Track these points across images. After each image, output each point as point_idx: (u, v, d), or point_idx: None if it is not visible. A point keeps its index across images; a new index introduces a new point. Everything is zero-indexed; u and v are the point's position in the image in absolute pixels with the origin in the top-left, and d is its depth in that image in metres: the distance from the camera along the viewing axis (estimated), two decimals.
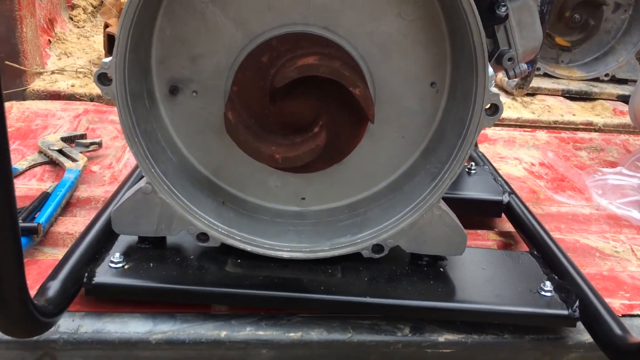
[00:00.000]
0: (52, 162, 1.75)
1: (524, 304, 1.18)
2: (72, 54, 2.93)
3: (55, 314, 0.99)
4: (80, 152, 1.79)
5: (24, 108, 2.16)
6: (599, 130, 2.72)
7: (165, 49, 1.25)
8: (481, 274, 1.29)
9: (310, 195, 1.39)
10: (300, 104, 1.25)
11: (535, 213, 1.73)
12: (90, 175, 1.74)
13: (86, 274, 1.13)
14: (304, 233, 1.34)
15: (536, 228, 1.48)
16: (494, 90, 1.14)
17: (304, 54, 1.22)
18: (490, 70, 1.29)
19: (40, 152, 1.78)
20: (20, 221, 1.32)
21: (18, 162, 1.73)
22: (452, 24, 1.21)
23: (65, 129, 2.01)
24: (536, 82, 3.09)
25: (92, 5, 3.68)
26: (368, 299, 1.16)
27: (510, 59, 1.44)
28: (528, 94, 3.03)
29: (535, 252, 1.40)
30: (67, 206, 1.55)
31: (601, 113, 2.93)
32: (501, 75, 3.11)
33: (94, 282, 1.12)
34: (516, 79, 2.86)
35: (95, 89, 2.38)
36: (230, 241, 1.25)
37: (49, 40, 3.00)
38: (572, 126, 2.73)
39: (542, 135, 2.50)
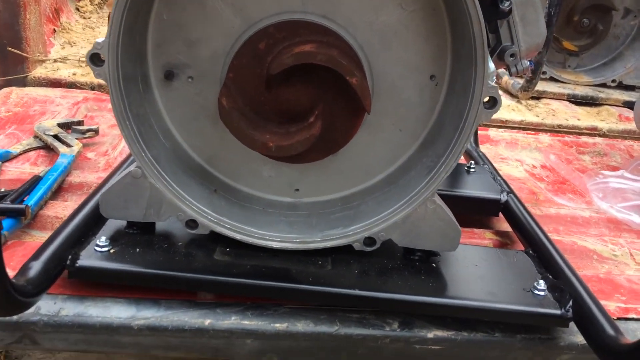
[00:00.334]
0: (47, 147, 1.74)
1: (516, 302, 1.16)
2: (76, 44, 2.92)
3: (34, 294, 0.97)
4: (76, 139, 1.77)
5: (23, 94, 2.15)
6: (603, 135, 2.69)
7: (162, 33, 1.23)
8: (474, 270, 1.27)
9: (304, 187, 1.37)
10: (297, 92, 1.23)
11: (534, 214, 1.71)
12: (84, 161, 1.72)
13: (70, 256, 1.11)
14: (296, 224, 1.32)
15: (533, 227, 1.45)
16: (493, 83, 1.12)
17: (301, 41, 1.20)
18: (492, 65, 1.27)
19: (36, 136, 1.77)
20: (8, 203, 1.31)
21: (12, 146, 1.71)
22: (453, 15, 1.19)
23: (63, 116, 2.00)
24: (542, 86, 3.06)
25: None
26: (357, 292, 1.14)
27: (512, 55, 1.42)
28: (533, 97, 3.00)
29: (530, 251, 1.37)
30: (58, 190, 1.54)
31: (606, 118, 2.90)
32: (507, 78, 3.08)
33: (77, 264, 1.10)
34: (521, 82, 2.82)
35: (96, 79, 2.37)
36: (219, 229, 1.24)
37: (54, 29, 2.99)
38: (576, 130, 2.69)
39: (545, 138, 2.47)
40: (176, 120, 1.30)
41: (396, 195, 1.28)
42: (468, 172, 1.74)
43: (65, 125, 1.85)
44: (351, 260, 1.25)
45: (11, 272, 0.90)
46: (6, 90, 2.17)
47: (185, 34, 1.23)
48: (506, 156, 2.23)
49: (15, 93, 2.15)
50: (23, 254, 1.21)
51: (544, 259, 1.33)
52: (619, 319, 1.26)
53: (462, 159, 1.37)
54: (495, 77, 1.27)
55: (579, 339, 1.16)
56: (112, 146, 1.86)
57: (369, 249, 1.25)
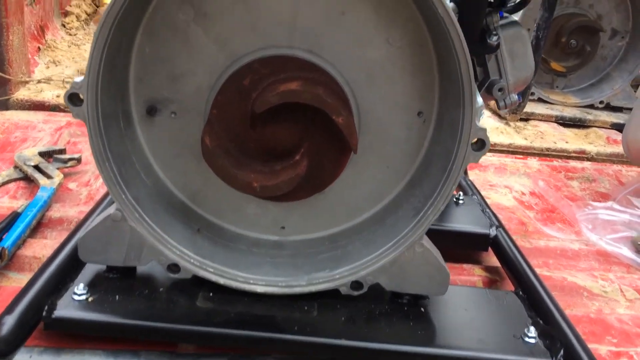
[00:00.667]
0: (27, 178, 1.69)
1: (507, 350, 1.12)
2: (61, 63, 2.88)
3: (7, 352, 0.93)
4: (58, 169, 1.73)
5: (5, 119, 2.10)
6: (591, 159, 2.69)
7: (144, 67, 1.20)
8: (464, 315, 1.24)
9: (290, 224, 1.33)
10: (282, 130, 1.20)
11: (523, 247, 1.69)
12: (65, 193, 1.68)
13: (46, 307, 1.07)
14: (281, 265, 1.28)
15: (522, 266, 1.43)
16: (481, 124, 1.10)
17: (286, 78, 1.17)
18: (480, 100, 1.25)
19: (16, 167, 1.72)
20: None
21: None
22: (441, 52, 1.17)
23: (45, 143, 1.96)
24: (530, 107, 3.06)
25: (86, 13, 3.65)
26: (344, 342, 1.10)
27: (500, 89, 1.40)
28: (521, 119, 3.00)
29: (520, 293, 1.34)
30: (37, 226, 1.49)
31: (594, 141, 2.90)
32: None
33: (53, 315, 1.05)
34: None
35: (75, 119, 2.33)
36: (202, 273, 1.20)
37: (39, 47, 2.95)
38: (565, 154, 2.69)
39: (533, 163, 2.46)
40: (159, 156, 1.27)
41: (383, 236, 1.25)
42: (457, 203, 1.72)
43: (46, 154, 1.81)
44: (338, 305, 1.21)
45: None
46: None
47: (169, 69, 1.20)
48: (495, 183, 2.21)
49: None
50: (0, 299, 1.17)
51: (534, 301, 1.30)
52: None
53: None
54: (483, 113, 1.25)
55: None
56: (94, 175, 1.81)
57: (356, 293, 1.22)
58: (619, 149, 2.77)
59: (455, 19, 1.00)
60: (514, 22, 1.41)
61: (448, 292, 1.22)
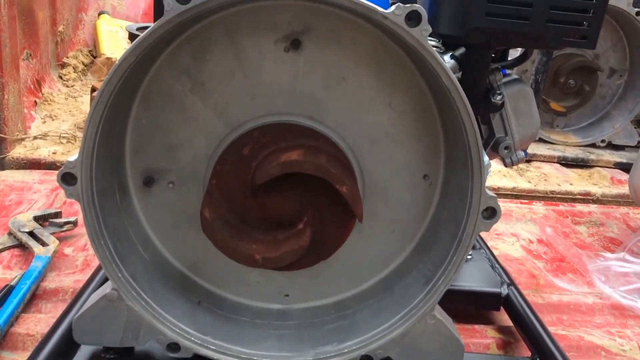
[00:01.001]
0: (22, 246, 1.64)
1: None
2: (57, 117, 2.86)
3: None
4: (53, 233, 1.68)
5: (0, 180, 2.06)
6: (597, 201, 2.64)
7: (141, 138, 1.17)
8: None
9: (294, 292, 1.29)
10: (284, 199, 1.17)
11: (535, 303, 1.64)
12: (61, 259, 1.63)
13: None
14: (286, 338, 1.23)
15: (537, 329, 1.37)
16: (491, 193, 1.06)
17: (287, 146, 1.14)
18: (486, 159, 1.22)
19: (10, 233, 1.68)
20: None
21: None
22: (446, 117, 1.14)
23: (41, 205, 1.91)
24: (532, 148, 3.03)
25: (83, 64, 3.65)
26: None
27: (506, 148, 1.37)
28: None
29: (537, 359, 1.28)
30: (32, 299, 1.44)
31: (599, 182, 2.86)
32: None
33: None
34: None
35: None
36: (204, 351, 1.14)
37: (35, 101, 2.93)
38: (570, 196, 2.65)
39: (539, 208, 2.41)
40: (156, 227, 1.23)
41: (392, 305, 1.20)
42: (465, 260, 1.66)
43: (41, 218, 1.76)
44: None
45: None
46: None
47: (166, 139, 1.18)
48: (501, 231, 2.17)
49: None
50: None
51: None
52: None
53: None
54: (490, 171, 1.21)
55: None
56: None
57: None
58: (624, 189, 2.74)
59: (461, 90, 0.97)
60: (517, 80, 1.38)
61: None
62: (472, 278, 1.57)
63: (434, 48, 1.00)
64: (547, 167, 2.97)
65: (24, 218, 1.73)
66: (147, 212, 1.22)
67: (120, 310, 1.11)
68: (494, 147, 1.38)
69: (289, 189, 1.15)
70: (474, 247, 1.78)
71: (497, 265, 1.65)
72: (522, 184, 2.69)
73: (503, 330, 1.52)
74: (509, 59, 1.47)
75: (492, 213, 1.08)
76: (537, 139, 3.21)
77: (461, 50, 1.33)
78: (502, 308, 1.54)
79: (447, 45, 1.35)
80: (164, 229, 1.23)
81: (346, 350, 1.16)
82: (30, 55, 3.00)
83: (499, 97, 1.29)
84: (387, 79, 1.14)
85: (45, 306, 1.43)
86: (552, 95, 3.20)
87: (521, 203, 2.46)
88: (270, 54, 1.12)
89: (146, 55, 1.03)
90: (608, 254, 1.95)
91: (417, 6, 0.95)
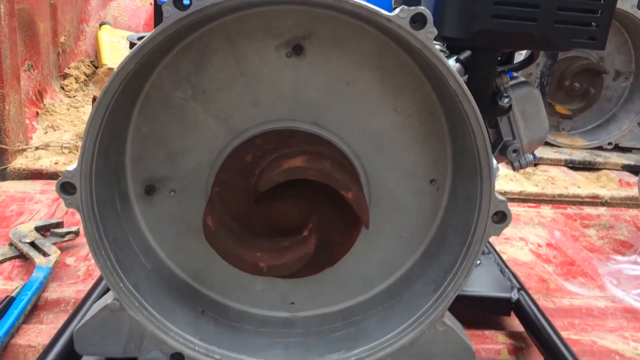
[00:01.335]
0: (23, 256, 1.62)
1: None
2: (59, 127, 2.85)
3: None
4: (55, 244, 1.66)
5: (1, 191, 2.05)
6: (605, 204, 2.61)
7: (141, 147, 1.15)
8: None
9: (300, 300, 1.27)
10: (288, 206, 1.15)
11: (547, 308, 1.61)
12: (63, 269, 1.61)
13: None
14: (293, 346, 1.20)
15: (549, 334, 1.34)
16: (500, 197, 1.03)
17: (290, 153, 1.12)
18: (495, 163, 1.19)
19: (11, 244, 1.66)
20: None
21: None
22: (453, 120, 1.12)
23: (42, 215, 1.90)
24: (538, 152, 3.00)
25: (85, 74, 3.64)
26: None
27: (515, 151, 1.35)
28: None
29: None
30: (33, 309, 1.42)
31: (607, 185, 2.82)
32: None
33: None
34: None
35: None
36: None
37: (37, 112, 2.92)
38: (578, 199, 2.61)
39: (547, 211, 2.38)
40: (159, 236, 1.21)
41: (401, 312, 1.18)
42: (475, 265, 1.63)
43: (43, 228, 1.75)
44: None
45: None
46: None
47: (167, 147, 1.16)
48: (509, 235, 2.13)
49: None
50: None
51: None
52: None
53: None
54: (498, 175, 1.19)
55: None
56: None
57: None
58: (632, 191, 2.70)
59: (469, 92, 0.95)
60: (525, 82, 1.36)
61: None
62: (482, 283, 1.54)
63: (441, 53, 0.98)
64: (554, 171, 2.94)
65: (25, 228, 1.71)
66: (149, 221, 1.20)
67: (122, 321, 1.09)
68: (501, 150, 1.36)
69: (293, 196, 1.13)
70: (482, 252, 1.75)
71: (506, 270, 1.62)
72: (529, 187, 2.66)
73: (514, 336, 1.49)
74: (515, 62, 1.45)
75: (502, 217, 1.05)
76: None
77: (466, 53, 1.31)
78: (512, 313, 1.51)
79: (452, 48, 1.33)
80: (166, 238, 1.21)
81: (354, 358, 1.14)
82: (32, 66, 2.99)
83: (506, 100, 1.27)
84: (392, 83, 1.12)
85: (47, 317, 1.41)
86: (558, 99, 3.17)
87: (529, 207, 2.43)
88: (272, 60, 1.10)
89: (146, 62, 1.01)
90: (619, 257, 1.92)
91: (422, 8, 0.93)
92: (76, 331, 1.09)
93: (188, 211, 1.19)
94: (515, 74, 1.37)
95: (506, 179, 2.71)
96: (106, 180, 1.08)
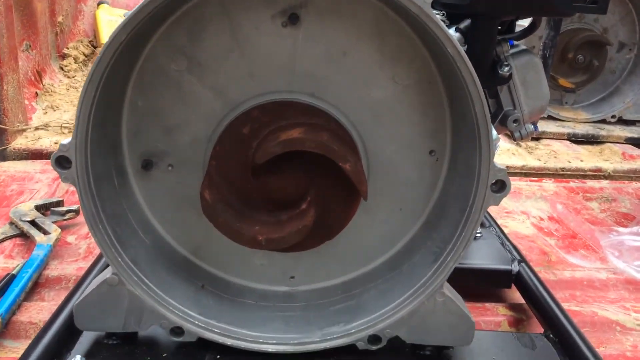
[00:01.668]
0: (24, 235, 1.62)
1: None
2: (59, 107, 2.84)
3: None
4: (55, 222, 1.66)
5: (1, 171, 2.05)
6: (608, 176, 2.59)
7: (137, 121, 1.14)
8: None
9: (299, 274, 1.26)
10: (286, 179, 1.14)
11: (548, 280, 1.61)
12: (64, 247, 1.61)
13: None
14: (292, 320, 1.20)
15: (550, 305, 1.33)
16: (500, 165, 1.02)
17: (288, 124, 1.11)
18: (495, 134, 1.17)
19: (12, 223, 1.66)
20: None
21: None
22: (452, 89, 1.10)
23: (43, 194, 1.90)
24: (540, 126, 2.97)
25: (84, 54, 3.61)
26: None
27: (515, 121, 1.33)
28: (533, 139, 2.92)
29: (551, 335, 1.25)
30: (34, 287, 1.42)
31: (610, 158, 2.80)
32: None
33: None
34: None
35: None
36: (208, 335, 1.12)
37: (36, 92, 2.91)
38: (581, 173, 2.60)
39: (549, 185, 2.37)
40: (157, 211, 1.21)
41: (400, 284, 1.17)
42: (475, 237, 1.63)
43: (43, 207, 1.75)
44: None
45: None
46: None
47: (163, 121, 1.15)
48: (511, 209, 2.13)
49: None
50: None
51: (566, 345, 1.21)
52: None
53: None
54: (499, 146, 1.17)
55: None
56: None
57: (374, 347, 1.14)
58: (636, 164, 2.68)
59: (467, 58, 0.93)
60: (525, 50, 1.34)
61: (474, 340, 1.14)
62: (482, 256, 1.54)
63: None
64: (556, 145, 2.92)
65: (26, 207, 1.71)
66: (147, 196, 1.19)
67: (121, 295, 1.09)
68: (502, 120, 1.34)
69: (290, 168, 1.12)
70: (483, 225, 1.75)
71: (507, 243, 1.62)
72: (532, 161, 2.65)
73: (515, 308, 1.49)
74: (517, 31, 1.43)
75: (501, 186, 1.04)
76: (546, 116, 3.15)
77: (466, 22, 1.29)
78: (513, 285, 1.51)
79: (452, 18, 1.31)
80: (165, 212, 1.20)
81: (353, 331, 1.14)
82: (30, 46, 2.97)
83: (506, 69, 1.25)
84: (390, 51, 1.10)
85: (48, 294, 1.42)
86: (561, 72, 3.14)
87: (531, 181, 2.42)
88: (268, 30, 1.08)
89: (139, 34, 1.00)
90: (621, 229, 1.91)
91: None
92: (76, 306, 1.09)
93: (186, 186, 1.18)
94: (516, 43, 1.35)
95: (508, 154, 2.69)
96: (102, 154, 1.08)
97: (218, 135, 1.13)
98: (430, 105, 1.14)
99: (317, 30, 1.08)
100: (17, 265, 1.45)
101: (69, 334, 1.14)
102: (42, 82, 3.01)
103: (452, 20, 1.31)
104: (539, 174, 2.56)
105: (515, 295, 1.54)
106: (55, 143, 2.35)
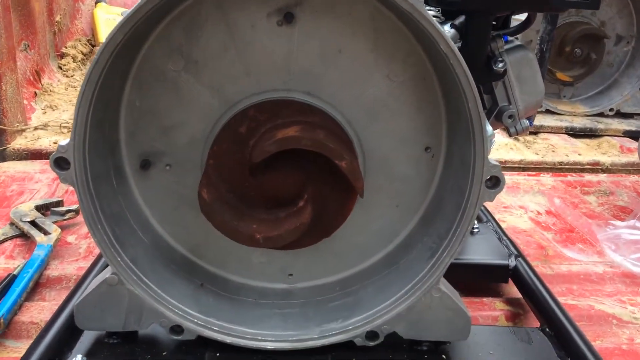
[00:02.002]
0: (24, 235, 1.63)
1: None
2: (58, 107, 2.85)
3: None
4: (55, 222, 1.67)
5: (1, 172, 2.05)
6: (606, 170, 2.60)
7: (135, 121, 1.15)
8: (489, 359, 1.16)
9: (298, 271, 1.27)
10: (284, 177, 1.14)
11: (545, 274, 1.62)
12: (64, 247, 1.62)
13: None
14: (291, 317, 1.21)
15: (547, 300, 1.35)
16: (494, 162, 1.03)
17: (284, 123, 1.11)
18: (490, 129, 1.18)
19: (12, 223, 1.67)
20: None
21: None
22: (446, 85, 1.11)
23: (42, 194, 1.91)
24: (538, 120, 2.99)
25: (82, 53, 3.62)
26: None
27: (510, 116, 1.34)
28: (531, 133, 2.93)
29: (547, 329, 1.26)
30: (35, 287, 1.43)
31: (608, 151, 2.81)
32: None
33: None
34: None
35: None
36: (207, 333, 1.13)
37: (35, 92, 2.92)
38: (578, 167, 2.60)
39: (547, 179, 2.38)
40: (156, 211, 1.22)
41: (398, 280, 1.18)
42: (472, 232, 1.64)
43: (43, 207, 1.76)
44: (353, 358, 1.14)
45: None
46: None
47: (161, 120, 1.15)
48: (509, 204, 2.14)
49: None
50: None
51: (563, 339, 1.22)
52: None
53: None
54: (494, 142, 1.18)
55: None
56: None
57: (371, 343, 1.15)
58: (634, 157, 2.69)
59: (459, 55, 0.94)
60: (520, 46, 1.34)
61: (470, 335, 1.15)
62: (479, 251, 1.55)
63: (434, 18, 0.96)
64: (554, 139, 2.93)
65: (26, 208, 1.72)
66: (145, 195, 1.20)
67: (121, 295, 1.10)
68: (497, 116, 1.35)
69: (287, 167, 1.13)
70: (480, 220, 1.76)
71: (504, 238, 1.62)
72: (530, 156, 2.65)
73: (512, 302, 1.50)
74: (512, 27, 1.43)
75: (495, 182, 1.05)
76: (543, 110, 3.15)
77: (461, 19, 1.29)
78: (510, 280, 1.52)
79: (447, 14, 1.32)
80: (163, 212, 1.21)
81: (351, 327, 1.15)
82: (28, 46, 2.97)
83: (500, 65, 1.26)
84: (385, 49, 1.10)
85: (49, 294, 1.43)
86: (558, 65, 3.14)
87: (529, 175, 2.43)
88: (264, 28, 1.09)
89: (136, 34, 1.00)
90: (618, 222, 1.92)
91: None
92: (76, 306, 1.10)
93: (184, 185, 1.19)
94: (510, 38, 1.36)
95: (506, 148, 2.70)
96: (101, 155, 1.08)
97: (215, 135, 1.14)
98: (425, 101, 1.15)
99: (313, 28, 1.09)
100: (18, 265, 1.46)
101: (70, 333, 1.15)
102: (40, 82, 3.02)
103: (447, 16, 1.32)
104: (536, 168, 2.57)
105: (512, 289, 1.55)
106: (55, 143, 2.36)
